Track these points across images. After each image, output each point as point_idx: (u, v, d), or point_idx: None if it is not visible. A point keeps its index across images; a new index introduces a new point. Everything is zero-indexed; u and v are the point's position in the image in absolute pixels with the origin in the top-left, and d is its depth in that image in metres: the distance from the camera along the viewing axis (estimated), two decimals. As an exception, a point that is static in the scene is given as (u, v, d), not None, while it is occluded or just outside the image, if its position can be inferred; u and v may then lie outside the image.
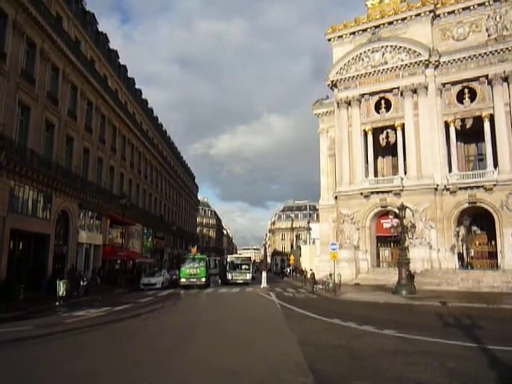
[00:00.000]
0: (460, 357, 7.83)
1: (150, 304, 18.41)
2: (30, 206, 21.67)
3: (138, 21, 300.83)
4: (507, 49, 28.94)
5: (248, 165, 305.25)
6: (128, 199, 30.58)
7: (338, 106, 35.21)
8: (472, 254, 30.48)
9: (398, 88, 32.30)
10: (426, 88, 31.51)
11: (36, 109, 21.93)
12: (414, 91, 31.78)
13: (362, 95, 33.83)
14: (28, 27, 20.99)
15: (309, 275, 28.80)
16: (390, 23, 33.46)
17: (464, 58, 30.32)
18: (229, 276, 31.76)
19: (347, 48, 34.97)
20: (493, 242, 29.20)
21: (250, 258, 38.85)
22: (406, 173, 31.78)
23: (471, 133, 31.34)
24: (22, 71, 20.77)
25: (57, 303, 17.67)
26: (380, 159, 36.13)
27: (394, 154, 34.05)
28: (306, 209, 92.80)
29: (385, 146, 34.90)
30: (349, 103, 34.32)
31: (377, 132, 34.23)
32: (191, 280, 28.28)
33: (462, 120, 30.66)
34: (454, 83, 31.15)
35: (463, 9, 31.29)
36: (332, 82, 35.14)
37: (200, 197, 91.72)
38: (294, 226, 68.44)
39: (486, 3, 30.37)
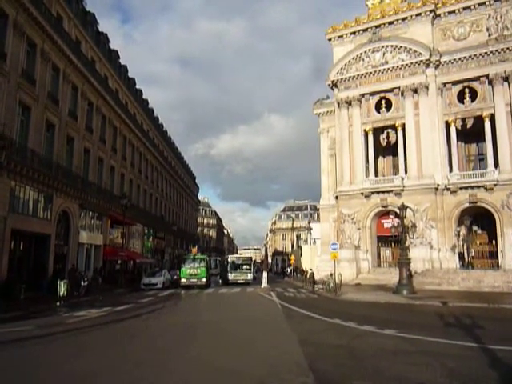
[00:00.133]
0: (461, 357, 7.82)
1: (151, 304, 18.41)
2: (31, 206, 21.68)
3: (138, 21, 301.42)
4: (508, 48, 28.91)
5: (249, 165, 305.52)
6: (129, 199, 30.59)
7: (338, 105, 35.20)
8: (473, 253, 30.47)
9: (399, 88, 32.28)
10: (427, 88, 31.48)
11: (37, 109, 21.95)
12: (415, 91, 31.76)
13: (363, 95, 33.81)
14: (28, 27, 21.00)
15: (308, 275, 28.77)
16: (391, 23, 33.45)
17: (465, 57, 30.30)
18: (229, 276, 31.71)
19: (348, 48, 34.96)
20: (493, 242, 29.19)
21: (251, 257, 38.77)
22: (406, 173, 31.76)
23: (472, 132, 31.31)
24: (23, 71, 20.79)
25: (57, 303, 17.69)
26: (381, 159, 36.11)
27: (395, 153, 34.03)
28: (306, 209, 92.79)
29: (385, 146, 34.88)
30: (349, 103, 34.30)
31: (377, 132, 34.21)
32: (192, 280, 28.26)
33: (463, 120, 30.65)
34: (454, 83, 31.12)
35: (464, 8, 31.27)
36: (332, 81, 35.12)
37: (201, 197, 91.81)
38: (294, 225, 68.38)
39: (487, 3, 30.34)
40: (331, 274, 23.38)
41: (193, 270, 28.74)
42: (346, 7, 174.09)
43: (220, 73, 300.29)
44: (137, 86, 44.12)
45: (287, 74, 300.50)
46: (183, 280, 28.40)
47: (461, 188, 29.60)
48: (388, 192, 31.64)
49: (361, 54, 33.85)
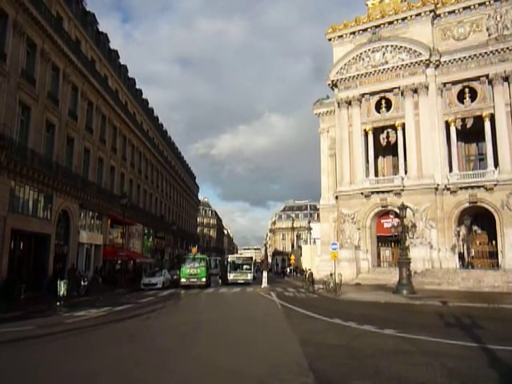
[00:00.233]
0: (460, 357, 7.82)
1: (151, 304, 18.41)
2: (31, 206, 21.68)
3: (138, 20, 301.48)
4: (508, 48, 28.92)
5: (249, 164, 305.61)
6: (128, 199, 30.60)
7: (338, 105, 35.20)
8: (473, 253, 30.50)
9: (399, 88, 32.29)
10: (427, 88, 31.49)
11: (36, 109, 21.95)
12: (415, 91, 31.77)
13: (363, 95, 33.81)
14: (28, 27, 21.00)
15: (307, 275, 28.74)
16: (391, 23, 33.46)
17: (464, 57, 30.31)
18: (229, 276, 31.64)
19: (348, 48, 34.96)
20: (493, 242, 29.20)
21: (251, 257, 38.71)
22: (406, 172, 31.77)
23: (472, 132, 31.32)
24: (23, 71, 20.78)
25: (57, 303, 17.68)
26: (380, 159, 36.12)
27: (395, 153, 34.04)
28: (306, 209, 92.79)
29: (385, 146, 34.90)
30: (349, 103, 34.30)
31: (377, 132, 34.22)
32: (192, 280, 28.26)
33: (463, 120, 30.66)
34: (454, 83, 31.13)
35: (464, 8, 31.27)
36: (332, 81, 35.13)
37: (201, 197, 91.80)
38: (294, 225, 68.34)
39: (487, 3, 30.35)
40: (331, 274, 23.38)
41: (193, 269, 28.74)
42: (347, 7, 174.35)
43: (220, 72, 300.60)
44: (137, 86, 44.12)
45: (287, 74, 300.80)
46: (183, 280, 28.41)
47: (461, 188, 29.61)
48: (388, 192, 31.65)
49: (361, 53, 33.86)
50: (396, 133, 32.95)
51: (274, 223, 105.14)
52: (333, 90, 36.19)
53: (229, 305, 19.02)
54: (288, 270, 47.95)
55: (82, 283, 21.78)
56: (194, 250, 46.89)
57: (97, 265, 29.77)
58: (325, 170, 39.18)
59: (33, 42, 21.70)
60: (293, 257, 48.22)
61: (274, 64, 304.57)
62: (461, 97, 30.93)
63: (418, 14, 32.22)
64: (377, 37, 33.38)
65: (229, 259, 34.15)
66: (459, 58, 30.53)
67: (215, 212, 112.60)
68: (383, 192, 31.90)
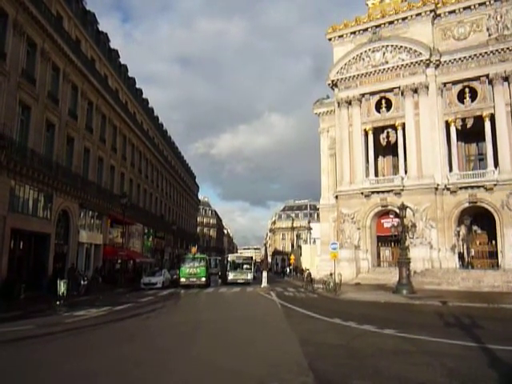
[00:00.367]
0: (460, 356, 7.82)
1: (151, 303, 18.41)
2: (31, 205, 21.67)
3: (138, 20, 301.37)
4: (508, 48, 28.93)
5: (249, 164, 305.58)
6: (128, 199, 30.59)
7: (338, 105, 35.20)
8: (472, 253, 30.50)
9: (399, 87, 32.29)
10: (427, 87, 31.48)
11: (36, 108, 21.94)
12: (415, 91, 31.76)
13: (363, 95, 33.81)
14: (28, 27, 20.98)
15: (306, 275, 28.71)
16: (391, 23, 33.46)
17: (465, 57, 30.31)
18: (229, 276, 31.55)
19: (348, 47, 34.96)
20: (493, 242, 29.20)
21: (251, 257, 38.60)
22: (406, 172, 31.78)
23: (472, 132, 31.32)
24: (23, 71, 20.77)
25: (57, 303, 17.66)
26: (380, 159, 36.13)
27: (395, 153, 34.04)
28: (306, 208, 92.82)
29: (385, 146, 34.90)
30: (349, 103, 34.30)
31: (377, 131, 34.22)
32: (191, 280, 28.27)
33: (463, 120, 30.66)
34: (454, 83, 31.14)
35: (464, 8, 31.27)
36: (332, 81, 35.13)
37: (201, 196, 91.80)
38: (294, 225, 68.27)
39: (487, 3, 30.35)
40: (331, 274, 23.39)
41: (192, 269, 28.73)
42: (347, 7, 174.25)
43: (220, 72, 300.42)
44: (137, 86, 44.10)
45: (287, 74, 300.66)
46: (183, 279, 28.41)
47: (461, 188, 29.62)
48: (388, 192, 31.65)
49: (361, 53, 33.85)
50: (396, 133, 32.95)
51: (273, 223, 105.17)
52: (333, 89, 36.19)
53: (228, 304, 19.03)
54: (288, 269, 47.93)
55: (82, 283, 21.79)
56: (194, 249, 46.80)
57: (97, 264, 29.77)
58: (325, 170, 39.18)
59: (33, 41, 21.69)
60: (293, 256, 48.19)
61: (274, 64, 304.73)
62: (461, 97, 30.93)
63: (419, 14, 32.22)
64: (377, 36, 33.38)
65: (229, 259, 34.07)
66: (459, 58, 30.53)
67: (215, 212, 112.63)
68: (383, 192, 31.90)
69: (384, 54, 32.93)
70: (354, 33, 35.31)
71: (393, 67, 32.49)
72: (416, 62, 31.64)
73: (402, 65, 32.14)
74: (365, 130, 33.67)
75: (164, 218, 50.06)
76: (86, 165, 28.60)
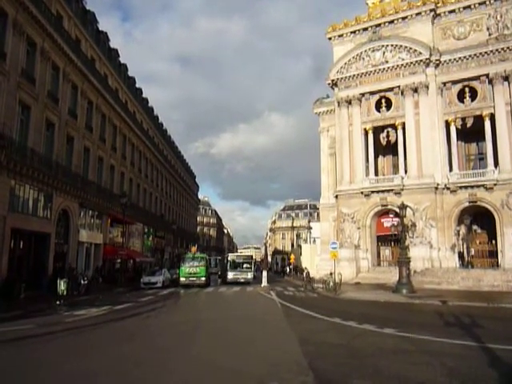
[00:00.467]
0: (460, 356, 7.83)
1: (151, 303, 18.42)
2: (31, 205, 21.68)
3: (138, 19, 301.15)
4: (508, 48, 28.91)
5: (249, 164, 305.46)
6: (128, 198, 30.62)
7: (338, 104, 35.18)
8: (472, 252, 30.47)
9: (399, 87, 32.27)
10: (427, 87, 31.46)
11: (36, 108, 21.94)
12: (415, 90, 31.75)
13: (363, 94, 33.80)
14: (28, 26, 20.98)
15: (305, 274, 28.68)
16: (391, 22, 33.43)
17: (465, 57, 30.28)
18: (229, 275, 31.50)
19: (348, 47, 34.93)
20: (493, 241, 29.19)
21: (251, 256, 38.50)
22: (406, 172, 31.76)
23: (472, 132, 31.31)
24: (23, 70, 20.76)
25: (57, 302, 17.66)
26: (380, 158, 36.11)
27: (395, 153, 34.02)
28: (306, 208, 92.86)
29: (385, 145, 34.87)
30: (349, 102, 34.29)
31: (377, 131, 34.20)
32: (191, 279, 28.28)
33: (463, 119, 30.65)
34: (454, 82, 31.12)
35: (464, 8, 31.24)
36: (332, 80, 35.11)
37: (201, 196, 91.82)
38: (294, 225, 68.32)
39: (487, 2, 30.32)
40: (331, 273, 23.40)
41: (192, 268, 28.74)
42: (347, 7, 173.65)
43: (220, 71, 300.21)
44: (137, 85, 44.09)
45: (287, 73, 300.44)
46: (183, 279, 28.42)
47: (461, 187, 29.62)
48: (388, 191, 31.64)
49: (361, 53, 33.82)
50: (396, 132, 32.93)
51: (273, 222, 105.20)
52: (333, 89, 36.16)
53: (228, 304, 19.03)
54: (288, 269, 47.93)
55: (82, 282, 21.80)
56: (194, 249, 46.80)
57: (97, 264, 29.78)
58: (325, 169, 39.17)
59: (33, 40, 21.68)
60: (293, 256, 48.21)
61: (274, 63, 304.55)
62: (461, 96, 30.92)
63: (419, 14, 32.20)
64: (377, 36, 33.36)
65: (229, 258, 34.05)
66: (459, 58, 30.51)
67: (215, 211, 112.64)
68: (383, 191, 31.89)
69: (384, 53, 32.90)
70: (353, 32, 35.27)
71: (393, 66, 32.47)
72: (416, 62, 31.62)
73: (402, 64, 32.12)
74: (365, 129, 33.66)
75: (164, 217, 50.08)
76: (86, 164, 28.61)
